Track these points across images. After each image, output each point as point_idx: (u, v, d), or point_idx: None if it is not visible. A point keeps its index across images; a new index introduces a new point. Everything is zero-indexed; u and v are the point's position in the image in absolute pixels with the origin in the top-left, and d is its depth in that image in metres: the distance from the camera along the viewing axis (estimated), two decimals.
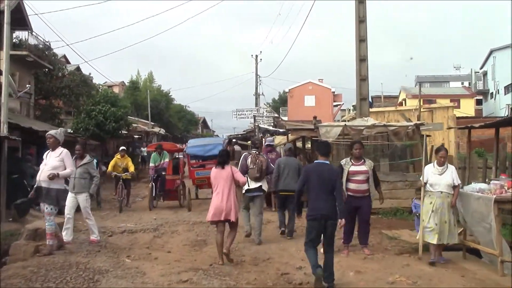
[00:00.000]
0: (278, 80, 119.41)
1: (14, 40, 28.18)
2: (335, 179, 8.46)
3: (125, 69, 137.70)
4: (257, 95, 59.86)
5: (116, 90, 76.24)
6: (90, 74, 39.47)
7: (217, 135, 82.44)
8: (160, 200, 19.97)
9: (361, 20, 19.46)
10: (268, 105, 57.20)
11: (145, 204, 19.75)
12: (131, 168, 19.41)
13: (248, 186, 12.10)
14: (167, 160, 19.70)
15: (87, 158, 11.84)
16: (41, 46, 30.41)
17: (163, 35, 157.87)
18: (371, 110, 20.65)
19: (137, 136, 43.71)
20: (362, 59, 19.60)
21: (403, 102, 60.18)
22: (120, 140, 41.48)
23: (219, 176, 10.31)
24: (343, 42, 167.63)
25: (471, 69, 76.58)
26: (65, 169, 10.64)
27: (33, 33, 29.37)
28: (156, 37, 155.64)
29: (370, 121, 16.79)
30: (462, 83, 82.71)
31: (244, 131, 58.06)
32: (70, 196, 11.32)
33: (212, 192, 10.88)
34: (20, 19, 27.64)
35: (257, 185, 12.16)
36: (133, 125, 48.43)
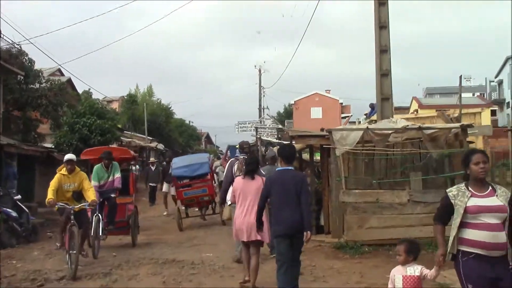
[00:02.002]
0: (283, 92, 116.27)
1: None
2: (300, 187, 7.68)
3: (127, 85, 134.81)
4: (260, 107, 56.98)
5: (115, 105, 73.95)
6: (89, 89, 36.04)
7: (221, 151, 79.52)
8: (102, 238, 12.58)
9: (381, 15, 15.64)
10: (272, 117, 53.76)
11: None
12: (90, 193, 10.94)
13: None
14: (118, 175, 13.17)
15: None
16: (13, 50, 26.75)
17: (165, 51, 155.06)
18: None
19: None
20: (383, 50, 15.86)
21: (415, 112, 56.48)
22: None
23: (246, 188, 8.99)
24: (351, 52, 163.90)
25: (486, 78, 73.14)
26: None
27: (1, 35, 25.72)
28: (159, 54, 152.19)
29: (401, 122, 12.98)
30: (473, 94, 79.22)
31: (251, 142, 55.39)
32: None
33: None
34: None
35: None
36: (126, 139, 45.18)
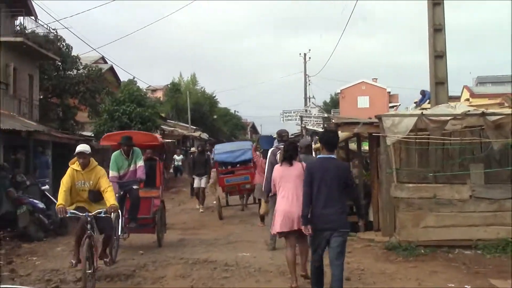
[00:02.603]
0: (329, 81, 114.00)
1: (16, 28, 23.99)
2: (346, 178, 7.20)
3: (172, 75, 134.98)
4: (306, 96, 55.58)
5: (159, 94, 73.82)
6: (134, 78, 35.63)
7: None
8: (124, 236, 11.37)
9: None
10: (317, 106, 52.40)
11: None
12: (109, 195, 8.55)
13: None
14: (140, 164, 11.35)
15: None
16: (50, 36, 26.16)
17: (210, 42, 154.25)
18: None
19: (169, 140, 39.04)
20: (437, 29, 14.38)
21: (467, 101, 54.29)
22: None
23: (286, 175, 8.48)
24: (400, 41, 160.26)
25: None
26: None
27: (38, 20, 25.16)
28: (204, 44, 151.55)
29: (461, 108, 11.56)
30: None
31: (292, 135, 54.64)
32: None
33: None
34: (21, 3, 23.51)
35: None
36: (169, 128, 44.52)
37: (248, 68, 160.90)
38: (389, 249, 10.63)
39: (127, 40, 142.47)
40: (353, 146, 17.82)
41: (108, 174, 9.62)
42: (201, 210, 18.94)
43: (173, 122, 54.64)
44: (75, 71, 28.50)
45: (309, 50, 60.66)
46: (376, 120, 12.18)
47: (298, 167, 8.41)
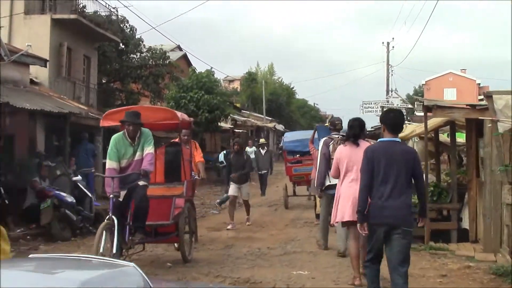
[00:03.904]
0: (413, 72, 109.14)
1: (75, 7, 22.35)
2: (413, 165, 6.04)
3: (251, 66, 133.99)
4: (388, 87, 52.45)
5: (236, 84, 72.66)
6: (212, 68, 34.12)
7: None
8: (129, 249, 8.12)
9: None
10: (400, 97, 49.13)
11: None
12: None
13: (329, 181, 9.24)
14: (150, 150, 8.15)
15: None
16: (113, 17, 24.50)
17: (295, 38, 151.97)
18: None
19: (240, 131, 36.89)
20: None
21: None
22: (219, 135, 35.40)
23: (353, 156, 7.62)
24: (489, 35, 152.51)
25: None
26: None
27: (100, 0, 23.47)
28: (291, 40, 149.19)
29: None
30: None
31: (372, 127, 51.72)
32: None
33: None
34: None
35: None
36: (241, 118, 42.68)
37: (329, 60, 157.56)
38: (499, 274, 7.84)
39: (208, 30, 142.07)
40: (443, 137, 14.96)
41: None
42: (229, 227, 13.25)
43: (248, 112, 52.90)
44: (138, 55, 26.73)
45: (393, 38, 57.95)
46: (480, 103, 9.46)
47: (365, 147, 7.00)
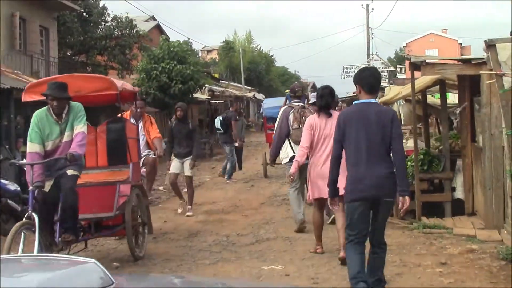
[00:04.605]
0: (394, 34, 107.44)
1: None
2: (390, 128, 5.36)
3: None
4: (369, 51, 51.20)
5: (215, 54, 71.01)
6: (189, 39, 32.54)
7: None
8: (61, 250, 6.53)
9: None
10: (381, 59, 47.84)
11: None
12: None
13: (293, 152, 8.64)
14: (80, 129, 6.57)
15: None
16: None
17: (272, 5, 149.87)
18: None
19: (214, 101, 35.26)
20: None
21: None
22: (196, 107, 33.92)
23: (323, 128, 7.24)
24: None
25: None
26: None
27: None
28: (268, 7, 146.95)
29: None
30: None
31: (354, 92, 50.64)
32: None
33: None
34: None
35: None
36: (219, 88, 41.23)
37: (308, 26, 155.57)
38: (508, 259, 6.54)
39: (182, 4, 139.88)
40: (431, 99, 13.65)
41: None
42: (179, 210, 11.46)
43: (226, 82, 51.40)
44: (103, 24, 25.07)
45: (372, 0, 56.90)
46: (476, 57, 8.15)
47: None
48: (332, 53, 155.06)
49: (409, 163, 11.07)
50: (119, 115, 8.59)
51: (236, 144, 16.82)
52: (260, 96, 54.25)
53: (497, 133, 8.08)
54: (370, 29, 52.26)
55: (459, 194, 10.85)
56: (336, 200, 5.73)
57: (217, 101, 34.84)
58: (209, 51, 79.47)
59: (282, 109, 9.28)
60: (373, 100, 5.67)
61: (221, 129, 17.29)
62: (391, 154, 5.47)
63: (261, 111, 17.57)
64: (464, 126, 9.97)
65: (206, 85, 34.35)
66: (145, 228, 7.97)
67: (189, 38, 36.15)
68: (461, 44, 64.84)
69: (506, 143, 7.87)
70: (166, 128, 20.30)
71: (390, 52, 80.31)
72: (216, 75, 52.76)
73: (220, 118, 17.51)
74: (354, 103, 5.88)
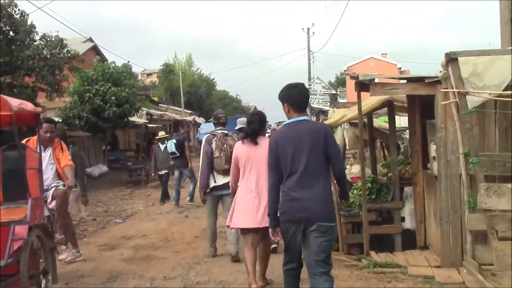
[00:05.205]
0: (335, 58, 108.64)
1: None
2: (324, 144, 5.17)
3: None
4: (310, 74, 51.13)
5: (155, 78, 69.77)
6: (129, 62, 31.33)
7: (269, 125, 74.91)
8: None
9: None
10: (323, 82, 47.65)
11: None
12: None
13: (215, 181, 8.63)
14: None
15: None
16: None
17: (213, 32, 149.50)
18: None
19: (152, 125, 33.77)
20: None
21: None
22: (132, 131, 32.60)
23: (251, 155, 6.90)
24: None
25: None
26: None
27: None
28: (209, 33, 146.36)
29: None
30: None
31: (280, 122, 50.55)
32: None
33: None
34: None
35: (226, 180, 8.31)
36: (158, 112, 40.00)
37: (249, 51, 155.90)
38: None
39: (128, 26, 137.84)
40: (377, 122, 12.88)
41: None
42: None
43: (165, 106, 50.21)
44: (31, 43, 23.48)
45: (313, 24, 57.24)
46: (430, 75, 7.34)
47: (266, 146, 6.01)
48: (274, 76, 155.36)
49: (355, 191, 10.28)
50: (24, 140, 7.37)
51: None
52: (200, 120, 53.28)
53: (454, 160, 7.27)
54: (311, 52, 52.34)
55: (408, 224, 10.02)
56: (278, 231, 5.37)
57: (155, 125, 33.51)
58: (149, 74, 78.41)
59: (205, 137, 9.06)
60: (303, 118, 5.41)
61: (176, 152, 16.15)
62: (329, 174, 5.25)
63: (197, 136, 16.15)
64: (415, 151, 9.15)
65: (143, 108, 33.13)
66: (48, 276, 6.64)
67: (128, 61, 34.96)
68: (400, 68, 65.51)
69: (464, 171, 7.06)
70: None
71: (331, 76, 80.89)
72: (156, 99, 51.66)
73: (174, 141, 16.37)
74: (284, 123, 5.64)
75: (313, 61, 52.89)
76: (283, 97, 5.54)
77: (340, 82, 73.65)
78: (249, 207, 6.75)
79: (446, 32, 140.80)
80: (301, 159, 5.13)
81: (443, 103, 7.14)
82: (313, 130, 5.28)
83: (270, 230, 5.48)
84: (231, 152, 7.99)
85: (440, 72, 7.13)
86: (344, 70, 68.19)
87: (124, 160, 28.29)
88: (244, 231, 6.95)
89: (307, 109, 27.24)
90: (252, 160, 6.88)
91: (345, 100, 54.01)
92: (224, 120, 9.24)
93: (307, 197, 5.09)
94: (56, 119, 25.21)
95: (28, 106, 6.57)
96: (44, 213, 6.80)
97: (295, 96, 5.43)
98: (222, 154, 8.55)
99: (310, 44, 52.26)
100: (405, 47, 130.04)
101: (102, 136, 28.07)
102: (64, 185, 7.53)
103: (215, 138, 8.74)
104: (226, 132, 8.91)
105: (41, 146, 7.41)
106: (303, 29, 52.21)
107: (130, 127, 29.83)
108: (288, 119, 5.47)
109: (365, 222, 8.73)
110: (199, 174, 8.80)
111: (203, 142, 8.93)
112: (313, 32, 52.42)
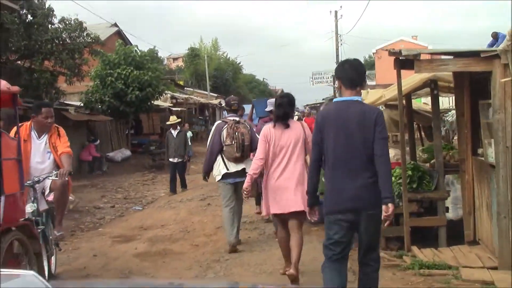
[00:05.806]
0: (364, 40, 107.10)
1: None
2: (373, 130, 4.82)
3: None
4: (338, 58, 50.09)
5: (180, 62, 69.35)
6: (155, 47, 30.55)
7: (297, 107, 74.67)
8: None
9: None
10: None
11: None
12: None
13: (227, 169, 8.36)
14: None
15: None
16: None
17: (242, 15, 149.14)
18: None
19: (176, 109, 32.89)
20: None
21: None
22: (156, 115, 31.83)
23: (282, 139, 6.61)
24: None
25: None
26: None
27: None
28: (237, 17, 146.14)
29: None
30: None
31: (323, 99, 49.66)
32: None
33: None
34: None
35: (238, 167, 8.34)
36: (183, 96, 39.35)
37: (277, 35, 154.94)
38: None
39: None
40: (415, 104, 11.81)
41: None
42: None
43: (191, 89, 49.63)
44: (50, 27, 22.75)
45: (340, 7, 56.17)
46: (487, 49, 6.35)
47: (296, 129, 6.63)
48: (302, 60, 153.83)
49: (393, 179, 9.29)
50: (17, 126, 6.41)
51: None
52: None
53: None
54: (339, 35, 51.24)
55: (450, 214, 9.05)
56: (315, 210, 5.33)
57: (179, 109, 32.77)
58: (175, 59, 77.95)
59: (215, 124, 8.95)
60: (355, 98, 5.01)
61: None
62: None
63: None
64: (463, 135, 8.12)
65: (167, 92, 32.44)
66: None
67: (154, 46, 34.56)
68: None
69: None
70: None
71: (360, 58, 79.91)
72: (181, 82, 51.19)
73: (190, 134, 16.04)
74: (333, 101, 5.41)
75: (341, 44, 51.74)
76: (336, 72, 5.39)
77: (368, 65, 72.41)
78: (279, 191, 6.56)
79: (480, 16, 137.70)
80: (346, 143, 4.89)
81: (502, 80, 6.15)
82: (363, 113, 4.94)
83: (307, 209, 5.42)
84: (243, 140, 8.22)
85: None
86: (373, 53, 66.95)
87: (147, 144, 27.63)
88: (281, 217, 6.69)
89: (336, 91, 26.41)
90: (283, 143, 6.61)
91: (374, 83, 52.82)
92: (236, 107, 9.01)
93: (353, 186, 4.87)
94: (78, 103, 24.77)
95: (1, 84, 5.48)
96: (25, 212, 5.79)
97: (346, 71, 5.14)
98: (233, 142, 8.28)
99: (338, 27, 51.23)
100: (436, 30, 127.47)
101: (125, 120, 27.48)
102: (56, 175, 6.48)
103: (226, 125, 8.45)
104: (238, 119, 8.62)
105: (35, 133, 6.57)
106: (330, 12, 51.36)
107: (154, 111, 29.21)
108: (340, 96, 5.21)
109: (405, 213, 7.77)
110: (205, 160, 8.80)
111: (214, 128, 8.78)
112: (341, 15, 51.36)
